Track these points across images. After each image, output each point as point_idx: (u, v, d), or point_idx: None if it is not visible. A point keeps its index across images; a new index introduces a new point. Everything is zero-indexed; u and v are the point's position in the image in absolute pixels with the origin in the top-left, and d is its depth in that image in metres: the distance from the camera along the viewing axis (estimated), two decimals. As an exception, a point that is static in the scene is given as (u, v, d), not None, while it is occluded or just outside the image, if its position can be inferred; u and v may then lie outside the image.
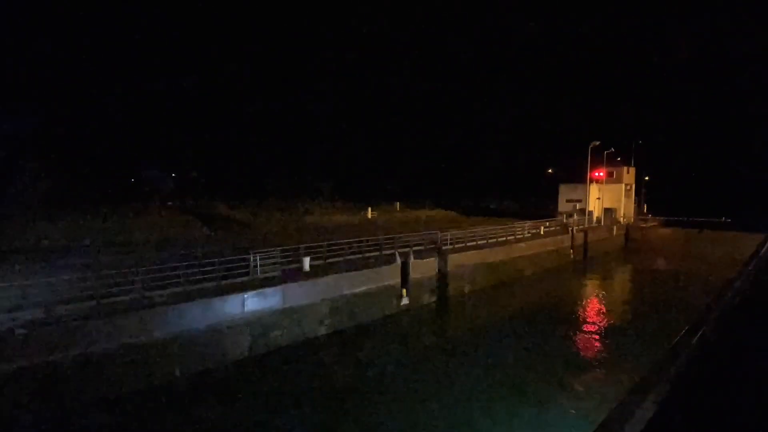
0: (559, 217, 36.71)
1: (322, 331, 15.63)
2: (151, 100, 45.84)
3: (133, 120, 44.27)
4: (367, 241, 20.07)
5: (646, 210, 45.01)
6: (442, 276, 20.68)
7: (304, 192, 44.64)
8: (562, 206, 42.36)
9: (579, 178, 40.99)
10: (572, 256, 31.30)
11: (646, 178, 46.86)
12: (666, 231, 38.34)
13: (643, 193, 44.58)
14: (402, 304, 18.64)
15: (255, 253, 14.99)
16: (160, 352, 11.51)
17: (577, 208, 40.36)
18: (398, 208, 46.46)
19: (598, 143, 37.02)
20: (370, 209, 41.67)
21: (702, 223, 36.93)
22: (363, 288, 17.04)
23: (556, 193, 43.63)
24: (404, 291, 18.67)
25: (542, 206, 46.75)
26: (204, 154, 50.01)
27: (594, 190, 40.54)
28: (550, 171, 56.02)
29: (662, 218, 41.70)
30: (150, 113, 46.09)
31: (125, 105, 44.39)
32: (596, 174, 40.51)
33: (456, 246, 22.78)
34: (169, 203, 35.07)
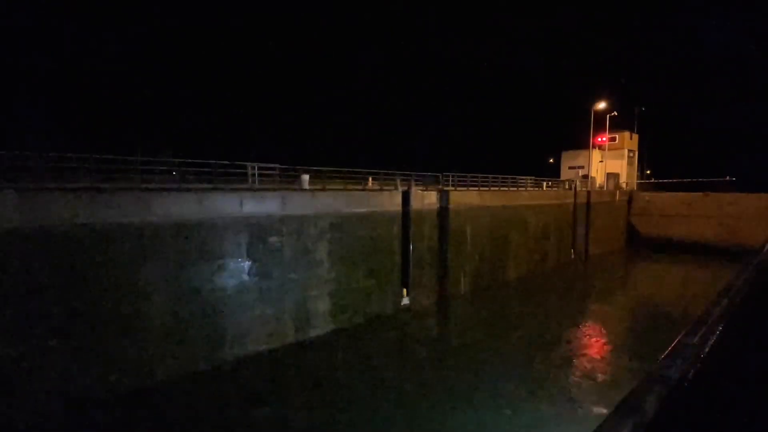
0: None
1: (323, 245, 15.34)
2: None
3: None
4: (368, 172, 19.76)
5: (649, 174, 44.47)
6: (443, 211, 20.34)
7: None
8: (565, 174, 42.05)
9: (581, 144, 40.67)
10: (574, 213, 30.91)
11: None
12: (668, 197, 37.76)
13: (645, 160, 44.08)
14: (402, 303, 18.38)
15: (253, 162, 14.71)
16: (153, 234, 11.25)
17: (580, 175, 40.03)
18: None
19: (602, 106, 36.67)
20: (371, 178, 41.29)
21: (706, 185, 36.49)
22: (363, 210, 16.74)
23: (558, 161, 43.32)
24: (404, 291, 18.47)
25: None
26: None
27: (596, 156, 40.19)
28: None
29: (665, 182, 41.17)
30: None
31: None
32: (599, 139, 40.16)
33: (458, 188, 22.46)
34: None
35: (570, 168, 41.92)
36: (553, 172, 47.46)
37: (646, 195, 39.36)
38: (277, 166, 15.58)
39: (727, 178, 36.22)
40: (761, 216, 32.58)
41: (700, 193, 36.07)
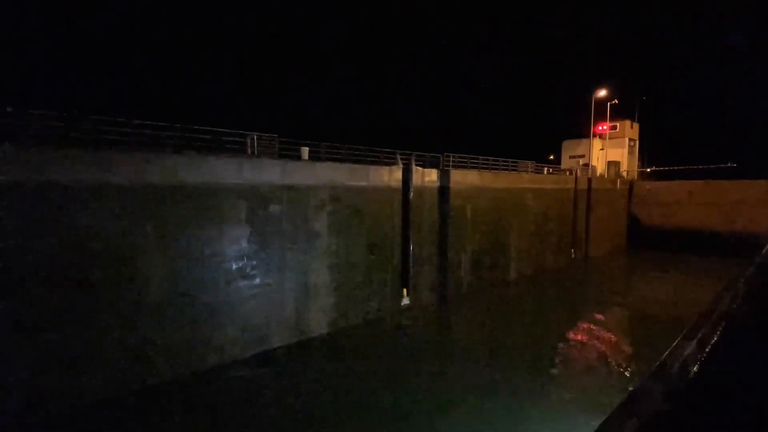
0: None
1: (322, 217, 15.23)
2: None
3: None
4: (368, 150, 19.62)
5: (648, 162, 44.31)
6: (444, 190, 20.22)
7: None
8: (566, 163, 41.94)
9: (582, 133, 40.58)
10: (575, 199, 30.80)
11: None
12: (669, 186, 37.63)
13: (646, 151, 43.94)
14: (403, 303, 18.32)
15: (252, 133, 14.59)
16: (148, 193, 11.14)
17: (581, 163, 39.91)
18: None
19: (602, 93, 36.57)
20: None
21: (707, 172, 36.38)
22: (363, 183, 16.64)
23: (559, 155, 43.22)
24: (404, 291, 18.46)
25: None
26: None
27: (597, 144, 40.09)
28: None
29: (666, 169, 40.99)
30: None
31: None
32: (600, 128, 40.05)
33: (458, 167, 22.34)
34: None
35: (571, 157, 41.82)
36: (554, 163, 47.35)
37: (647, 184, 39.22)
38: (276, 137, 15.45)
39: (729, 164, 36.04)
40: (763, 202, 32.48)
41: (701, 181, 35.94)
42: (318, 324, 15.38)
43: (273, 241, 13.88)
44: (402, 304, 18.34)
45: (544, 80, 69.30)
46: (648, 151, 44.37)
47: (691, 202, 35.70)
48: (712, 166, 36.05)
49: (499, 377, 12.41)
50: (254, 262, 13.40)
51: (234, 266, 12.90)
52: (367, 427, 9.95)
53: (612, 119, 40.18)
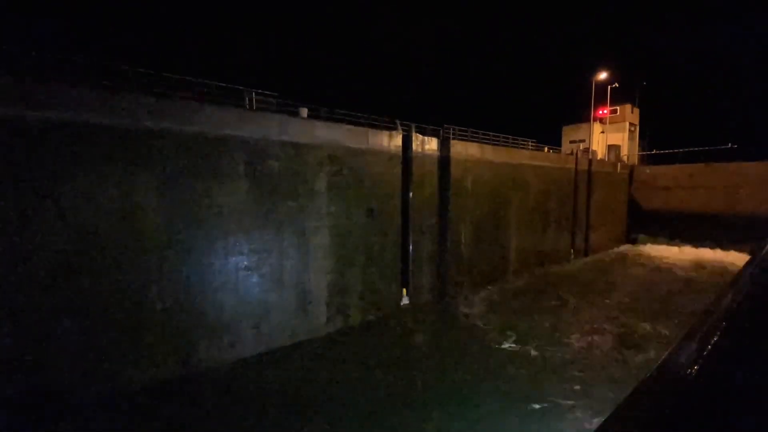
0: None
1: (322, 178, 15.10)
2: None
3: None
4: (369, 118, 19.49)
5: (649, 148, 44.17)
6: (444, 160, 20.09)
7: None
8: (566, 148, 41.77)
9: (582, 118, 40.45)
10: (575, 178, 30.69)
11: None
12: (670, 170, 37.52)
13: (647, 137, 43.81)
14: (402, 303, 18.26)
15: (250, 89, 14.46)
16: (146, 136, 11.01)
17: (581, 148, 39.78)
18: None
19: (603, 76, 36.44)
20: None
21: (708, 154, 36.30)
22: (362, 146, 16.51)
23: (559, 136, 43.09)
24: (404, 291, 18.41)
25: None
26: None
27: (597, 128, 39.97)
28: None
29: (666, 152, 40.85)
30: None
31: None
32: (600, 112, 39.93)
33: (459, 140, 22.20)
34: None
35: (571, 142, 41.70)
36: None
37: (647, 168, 39.14)
38: (276, 95, 15.32)
39: (729, 145, 35.95)
40: (764, 183, 32.40)
41: (702, 164, 35.86)
42: (317, 284, 15.26)
43: (271, 195, 13.73)
44: (398, 278, 18.24)
45: (544, 66, 69.08)
46: (648, 136, 44.26)
47: (693, 185, 35.63)
48: (712, 148, 35.92)
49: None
50: (251, 218, 13.26)
51: (230, 217, 12.76)
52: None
53: (612, 104, 40.06)
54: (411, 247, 18.71)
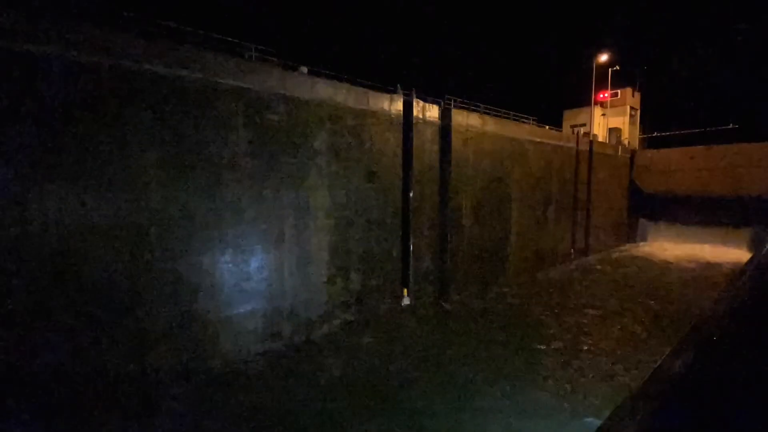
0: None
1: (322, 136, 14.96)
2: None
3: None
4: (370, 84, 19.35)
5: (650, 132, 44.08)
6: (445, 128, 19.96)
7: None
8: (567, 132, 41.70)
9: (583, 102, 40.33)
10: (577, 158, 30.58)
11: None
12: (671, 153, 37.39)
13: (647, 123, 43.68)
14: (403, 304, 18.12)
15: (250, 44, 14.29)
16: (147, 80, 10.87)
17: (582, 132, 39.70)
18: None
19: (604, 58, 36.31)
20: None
21: (710, 135, 36.22)
22: (363, 107, 16.37)
23: (560, 121, 42.95)
24: (405, 291, 18.26)
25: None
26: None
27: (598, 112, 39.85)
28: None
29: (667, 134, 40.77)
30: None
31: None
32: (601, 95, 39.82)
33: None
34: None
35: (572, 126, 41.61)
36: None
37: (648, 152, 39.05)
38: (275, 51, 15.15)
39: (731, 125, 35.84)
40: (764, 165, 32.29)
41: (703, 147, 35.76)
42: (318, 246, 15.13)
43: (270, 149, 13.59)
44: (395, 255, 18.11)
45: (544, 49, 68.72)
46: (650, 121, 44.13)
47: (694, 167, 35.50)
48: (713, 129, 35.82)
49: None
50: (249, 172, 13.12)
51: (228, 170, 12.63)
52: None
53: (613, 87, 39.95)
54: (411, 220, 18.55)
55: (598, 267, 28.69)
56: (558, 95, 48.51)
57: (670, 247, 35.76)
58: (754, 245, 31.66)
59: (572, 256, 30.32)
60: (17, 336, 9.05)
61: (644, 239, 38.94)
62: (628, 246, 37.45)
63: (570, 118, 42.32)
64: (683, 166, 36.18)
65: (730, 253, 32.35)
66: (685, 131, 37.90)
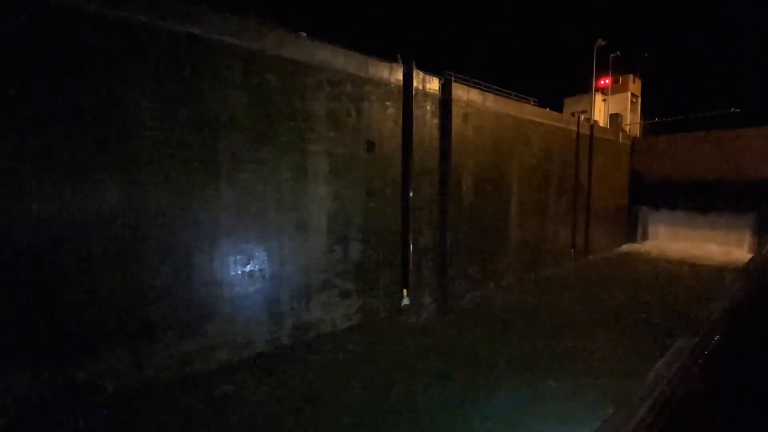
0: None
1: (320, 100, 14.78)
2: None
3: None
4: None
5: (651, 116, 43.93)
6: (445, 101, 19.77)
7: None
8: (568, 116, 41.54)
9: (583, 89, 40.15)
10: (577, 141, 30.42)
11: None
12: (671, 139, 37.20)
13: (648, 111, 43.53)
14: (403, 304, 17.96)
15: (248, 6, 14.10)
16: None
17: (583, 119, 39.49)
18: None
19: (603, 43, 36.10)
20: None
21: (709, 119, 36.08)
22: (363, 74, 16.18)
23: (561, 110, 42.75)
24: (405, 291, 18.12)
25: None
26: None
27: (599, 98, 39.67)
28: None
29: (667, 120, 40.59)
30: None
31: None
32: (602, 82, 39.63)
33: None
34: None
35: (572, 114, 41.36)
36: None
37: (649, 139, 38.89)
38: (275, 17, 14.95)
39: (732, 109, 35.67)
40: (765, 150, 32.13)
41: (703, 133, 35.58)
42: (318, 216, 14.97)
43: (268, 110, 13.41)
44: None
45: (545, 35, 68.43)
46: (650, 108, 43.98)
47: (694, 153, 35.32)
48: (714, 113, 35.67)
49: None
50: (248, 135, 12.94)
51: (227, 128, 12.45)
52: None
53: (614, 74, 39.76)
54: (411, 193, 18.36)
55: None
56: (559, 83, 48.33)
57: (670, 234, 35.58)
58: (759, 230, 31.50)
59: (572, 256, 30.07)
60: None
61: (645, 226, 38.73)
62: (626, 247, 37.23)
63: (571, 105, 42.14)
64: (684, 151, 36.02)
65: (732, 237, 32.20)
66: (687, 116, 37.68)
